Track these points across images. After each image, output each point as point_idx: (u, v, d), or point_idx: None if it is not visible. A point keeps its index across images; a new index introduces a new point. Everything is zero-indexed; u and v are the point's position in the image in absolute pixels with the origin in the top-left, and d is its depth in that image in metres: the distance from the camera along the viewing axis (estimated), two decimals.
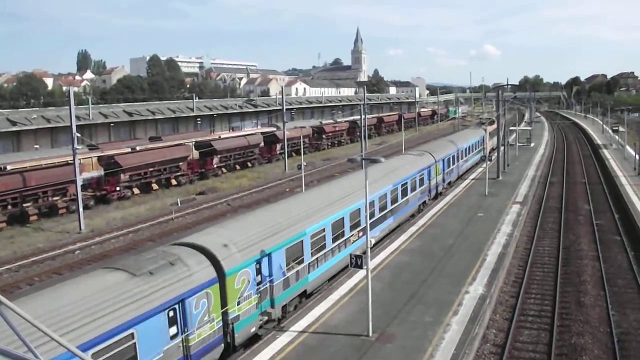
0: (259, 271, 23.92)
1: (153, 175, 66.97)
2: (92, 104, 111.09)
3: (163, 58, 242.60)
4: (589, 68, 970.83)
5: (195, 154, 76.40)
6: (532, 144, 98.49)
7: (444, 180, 55.53)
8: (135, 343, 17.38)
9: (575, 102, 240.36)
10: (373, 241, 33.96)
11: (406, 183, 43.03)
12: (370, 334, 23.03)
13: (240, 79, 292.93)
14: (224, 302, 21.57)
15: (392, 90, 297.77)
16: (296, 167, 63.95)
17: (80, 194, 51.24)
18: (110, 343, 16.48)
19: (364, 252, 23.33)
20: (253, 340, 23.75)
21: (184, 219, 53.03)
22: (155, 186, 67.31)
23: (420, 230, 40.51)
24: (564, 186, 62.51)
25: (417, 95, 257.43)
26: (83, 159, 60.21)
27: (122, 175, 62.25)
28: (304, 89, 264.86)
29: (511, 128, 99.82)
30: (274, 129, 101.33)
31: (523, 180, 61.89)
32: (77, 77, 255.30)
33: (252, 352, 22.20)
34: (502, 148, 67.02)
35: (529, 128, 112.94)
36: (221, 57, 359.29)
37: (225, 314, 21.69)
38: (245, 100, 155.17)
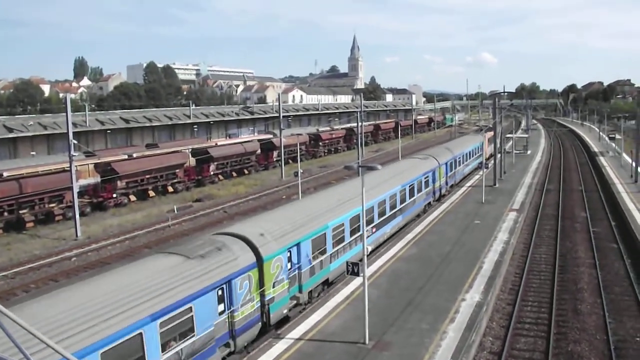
0: (289, 259, 26.33)
1: (150, 182, 66.90)
2: (89, 110, 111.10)
3: (160, 65, 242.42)
4: (585, 75, 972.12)
5: (192, 161, 76.33)
6: (529, 152, 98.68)
7: (446, 183, 57.71)
8: (192, 316, 19.92)
9: (572, 110, 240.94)
10: (370, 248, 34.08)
11: (413, 184, 45.45)
12: (367, 342, 22.96)
13: (237, 86, 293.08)
14: (261, 285, 23.98)
15: (389, 97, 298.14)
16: (293, 175, 63.94)
17: (76, 200, 51.13)
18: (175, 314, 19.04)
19: (361, 260, 23.32)
20: (283, 322, 25.84)
21: (181, 226, 52.98)
22: (151, 193, 67.21)
23: (417, 237, 40.49)
24: (561, 194, 62.54)
25: (414, 103, 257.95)
26: (79, 165, 60.17)
27: (118, 182, 62.20)
28: (301, 96, 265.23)
29: (508, 135, 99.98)
30: (271, 136, 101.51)
31: (520, 188, 61.96)
32: (74, 84, 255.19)
33: (249, 358, 22.18)
34: (498, 155, 67.05)
35: (526, 135, 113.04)
36: (218, 64, 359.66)
37: (262, 296, 24.11)
38: (242, 107, 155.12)
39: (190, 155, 76.11)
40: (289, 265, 26.16)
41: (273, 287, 24.71)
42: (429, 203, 51.19)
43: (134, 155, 71.04)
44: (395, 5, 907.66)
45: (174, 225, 52.99)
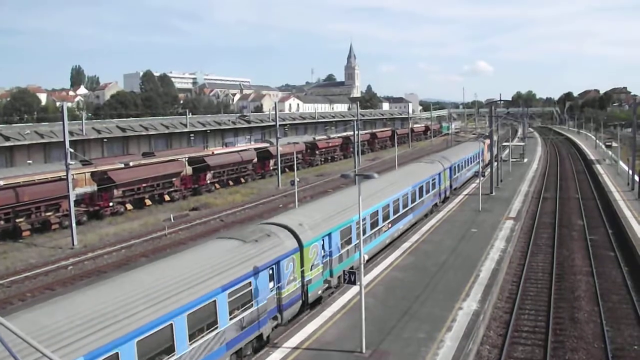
0: (323, 246, 30.11)
1: (146, 190, 66.83)
2: (86, 119, 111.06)
3: (156, 74, 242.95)
4: (581, 83, 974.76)
5: (189, 170, 76.29)
6: (526, 160, 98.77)
7: (450, 186, 61.30)
8: (251, 289, 23.71)
9: (569, 118, 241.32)
10: (366, 257, 34.39)
11: (422, 186, 49.32)
12: (364, 351, 22.90)
13: (234, 94, 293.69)
14: (302, 267, 27.63)
15: (385, 106, 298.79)
16: (289, 183, 63.91)
17: (73, 209, 51.06)
18: (238, 287, 22.81)
19: (358, 268, 23.29)
20: (316, 302, 29.51)
21: (177, 235, 52.87)
22: (148, 202, 67.10)
23: (413, 246, 40.49)
24: (558, 202, 62.59)
25: (410, 111, 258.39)
26: (76, 174, 60.07)
27: (115, 191, 62.12)
28: (297, 104, 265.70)
29: (504, 143, 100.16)
30: (267, 144, 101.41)
31: (516, 196, 61.99)
32: (71, 93, 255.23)
33: None
34: (495, 164, 67.12)
35: (522, 144, 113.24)
36: (215, 72, 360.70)
37: (302, 277, 27.80)
38: (238, 116, 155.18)
39: (186, 164, 76.07)
40: (322, 252, 29.96)
41: (310, 269, 28.47)
42: (436, 204, 55.03)
43: (131, 164, 70.97)
44: (391, 14, 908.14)
45: (171, 234, 52.88)
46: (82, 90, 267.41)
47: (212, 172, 78.41)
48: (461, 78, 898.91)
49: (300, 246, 27.33)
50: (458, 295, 29.75)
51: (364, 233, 33.65)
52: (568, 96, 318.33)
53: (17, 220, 53.21)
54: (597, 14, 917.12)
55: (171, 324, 19.14)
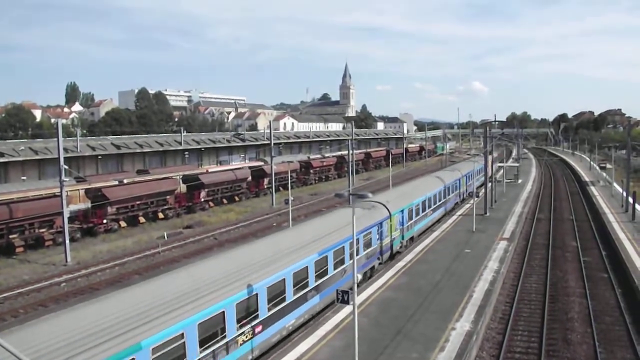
0: (401, 217, 44.80)
1: (140, 208, 66.78)
2: (80, 136, 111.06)
3: (151, 91, 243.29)
4: (576, 105, 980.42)
5: (183, 188, 76.31)
6: (520, 181, 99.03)
7: (466, 190, 72.97)
8: (371, 237, 38.12)
9: (563, 139, 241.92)
10: (360, 277, 34.77)
11: (449, 187, 63.89)
12: None
13: (229, 113, 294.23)
14: (390, 229, 42.02)
15: (380, 125, 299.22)
16: (283, 202, 63.91)
17: (67, 226, 51.00)
18: (365, 234, 36.93)
19: (351, 288, 23.26)
20: (396, 254, 43.97)
21: (171, 253, 52.80)
22: (142, 219, 67.03)
23: (407, 266, 40.52)
24: (552, 223, 62.65)
25: (405, 131, 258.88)
26: (70, 191, 60.09)
27: (109, 208, 62.07)
28: (292, 123, 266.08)
29: (499, 164, 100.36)
30: (262, 163, 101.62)
31: (510, 217, 62.10)
32: (66, 109, 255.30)
33: None
34: (489, 184, 67.23)
35: (517, 164, 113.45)
36: (210, 90, 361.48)
37: (391, 235, 42.18)
38: (233, 134, 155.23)
39: (181, 182, 76.09)
40: (400, 221, 44.65)
41: (395, 231, 43.10)
42: (457, 202, 69.18)
43: (125, 181, 70.99)
44: (388, 34, 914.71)
45: (164, 251, 52.81)
46: (77, 107, 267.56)
47: (206, 190, 78.39)
48: (456, 98, 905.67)
49: (390, 215, 41.77)
50: (451, 316, 29.73)
51: (417, 215, 49.82)
52: (563, 117, 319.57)
53: (11, 237, 53.11)
54: (593, 36, 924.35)
55: (328, 254, 31.08)
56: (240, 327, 23.04)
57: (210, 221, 69.03)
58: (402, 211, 44.69)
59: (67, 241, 50.41)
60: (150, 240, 58.41)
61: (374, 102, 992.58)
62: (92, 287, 42.57)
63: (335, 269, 31.81)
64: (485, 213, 62.40)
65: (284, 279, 26.55)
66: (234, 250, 28.20)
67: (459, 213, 63.62)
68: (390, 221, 41.50)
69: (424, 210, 52.06)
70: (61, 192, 50.67)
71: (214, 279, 22.71)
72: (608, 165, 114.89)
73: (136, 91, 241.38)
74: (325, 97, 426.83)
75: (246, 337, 23.52)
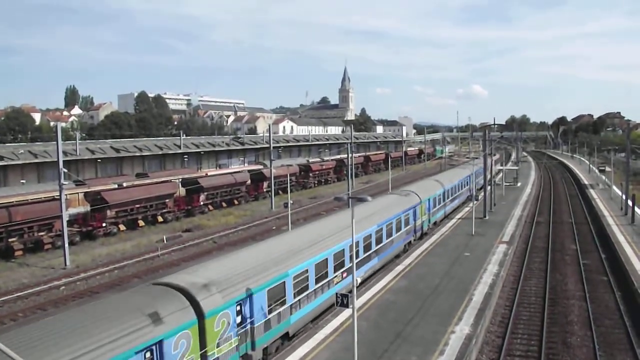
0: (428, 205, 54.42)
1: (139, 211, 66.77)
2: (80, 139, 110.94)
3: (151, 94, 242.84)
4: (575, 108, 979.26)
5: (182, 191, 76.28)
6: (519, 184, 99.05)
7: (475, 185, 73.03)
8: (409, 217, 47.39)
9: (562, 142, 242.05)
10: (359, 280, 34.45)
11: (462, 182, 73.23)
12: None
13: (228, 116, 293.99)
14: (421, 213, 51.51)
15: (379, 129, 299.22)
16: (283, 205, 63.87)
17: (66, 229, 51.00)
18: (405, 214, 46.04)
19: (350, 291, 23.22)
20: (424, 235, 53.38)
21: (170, 256, 52.81)
22: (141, 223, 67.03)
23: (406, 269, 40.48)
24: (551, 226, 62.66)
25: (404, 134, 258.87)
26: (69, 194, 60.04)
27: (108, 212, 62.06)
28: (292, 127, 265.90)
29: (498, 167, 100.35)
30: (261, 166, 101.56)
31: (510, 220, 62.09)
32: (65, 113, 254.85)
33: None
34: (488, 188, 67.21)
35: (516, 167, 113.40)
36: (209, 94, 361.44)
37: (421, 218, 51.82)
38: (232, 137, 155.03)
39: (180, 185, 76.07)
40: (428, 207, 53.97)
41: (424, 215, 52.21)
42: (469, 196, 74.71)
43: (124, 184, 70.94)
44: (388, 37, 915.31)
45: (163, 255, 52.82)
46: (76, 110, 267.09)
47: (205, 193, 78.35)
48: (456, 101, 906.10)
49: (421, 201, 50.81)
50: (451, 319, 29.71)
51: (439, 204, 59.06)
52: (562, 120, 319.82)
53: (10, 240, 53.08)
54: (592, 39, 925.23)
55: (382, 228, 40.74)
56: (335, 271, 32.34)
57: (210, 225, 69.01)
58: (428, 199, 54.33)
59: (67, 245, 50.40)
60: (149, 243, 58.39)
61: (373, 105, 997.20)
62: (91, 290, 42.58)
63: (387, 239, 42.15)
64: (485, 216, 62.41)
65: (358, 242, 35.40)
66: (324, 220, 39.90)
67: (458, 216, 63.63)
68: (421, 206, 51.42)
69: (443, 200, 61.53)
70: (60, 195, 50.66)
71: (322, 236, 32.20)
72: (607, 168, 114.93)
73: (135, 94, 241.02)
74: (324, 100, 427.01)
75: (338, 279, 32.66)
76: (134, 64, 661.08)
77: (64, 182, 50.80)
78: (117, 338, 17.65)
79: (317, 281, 30.08)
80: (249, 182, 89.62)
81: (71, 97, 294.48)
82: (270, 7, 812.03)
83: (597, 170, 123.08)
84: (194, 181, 77.56)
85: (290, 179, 77.26)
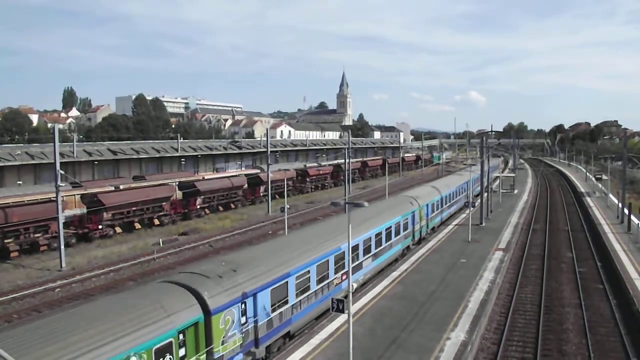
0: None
1: (136, 214, 66.67)
2: (77, 141, 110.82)
3: (149, 97, 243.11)
4: (572, 116, 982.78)
5: (179, 194, 76.14)
6: (516, 191, 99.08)
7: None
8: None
9: (559, 150, 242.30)
10: (355, 285, 34.36)
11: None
12: None
13: (226, 120, 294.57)
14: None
15: (377, 134, 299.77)
16: (279, 210, 63.86)
17: (62, 231, 50.93)
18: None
19: (346, 296, 23.20)
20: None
21: (166, 259, 52.69)
22: (137, 225, 66.92)
23: (402, 275, 40.47)
24: (547, 233, 62.68)
25: (402, 140, 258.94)
26: (66, 196, 59.93)
27: (104, 214, 61.97)
28: (289, 131, 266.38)
29: (495, 175, 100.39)
30: (258, 171, 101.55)
31: (506, 227, 62.12)
32: (63, 114, 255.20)
33: None
34: (485, 195, 67.26)
35: (513, 175, 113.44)
36: (207, 98, 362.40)
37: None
38: (229, 141, 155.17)
39: (177, 189, 75.92)
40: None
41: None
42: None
43: (121, 187, 70.90)
44: (385, 44, 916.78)
45: (159, 258, 52.71)
46: (74, 112, 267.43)
47: (202, 197, 78.30)
48: (453, 108, 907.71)
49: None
50: (446, 326, 29.70)
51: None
52: (559, 128, 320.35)
53: (6, 241, 52.91)
54: (590, 48, 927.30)
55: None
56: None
57: (206, 228, 68.92)
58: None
59: (62, 246, 50.33)
60: (145, 246, 58.27)
61: (371, 111, 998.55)
62: (87, 292, 42.45)
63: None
64: (481, 223, 62.46)
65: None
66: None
67: (454, 223, 63.65)
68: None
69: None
70: (57, 197, 50.60)
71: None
72: (604, 177, 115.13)
73: (133, 97, 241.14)
74: (322, 105, 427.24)
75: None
76: (132, 67, 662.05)
77: (61, 184, 50.74)
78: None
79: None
80: (245, 186, 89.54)
81: (69, 98, 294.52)
82: (269, 13, 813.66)
83: (593, 179, 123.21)
84: (191, 184, 77.45)
85: (287, 184, 77.23)
